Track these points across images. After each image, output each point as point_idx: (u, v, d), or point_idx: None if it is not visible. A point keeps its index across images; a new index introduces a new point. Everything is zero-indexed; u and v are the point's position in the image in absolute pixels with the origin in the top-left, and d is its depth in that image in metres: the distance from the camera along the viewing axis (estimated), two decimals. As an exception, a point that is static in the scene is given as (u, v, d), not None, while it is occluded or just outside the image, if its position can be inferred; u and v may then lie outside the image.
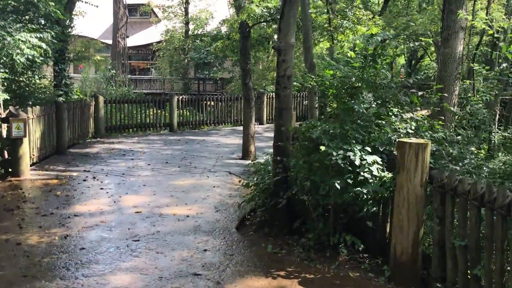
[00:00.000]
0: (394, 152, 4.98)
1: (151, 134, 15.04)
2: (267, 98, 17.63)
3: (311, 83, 6.39)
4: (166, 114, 15.91)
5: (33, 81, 10.18)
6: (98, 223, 6.31)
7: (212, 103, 16.91)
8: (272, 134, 14.61)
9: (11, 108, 8.92)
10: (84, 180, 8.83)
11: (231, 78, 29.55)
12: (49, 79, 12.90)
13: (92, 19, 37.78)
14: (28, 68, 10.05)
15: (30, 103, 10.88)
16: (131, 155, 11.47)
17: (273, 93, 18.26)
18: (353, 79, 5.05)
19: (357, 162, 4.68)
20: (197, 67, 33.37)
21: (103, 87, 22.21)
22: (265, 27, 19.92)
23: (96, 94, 14.21)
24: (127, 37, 31.34)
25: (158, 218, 6.55)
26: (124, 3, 26.92)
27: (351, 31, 11.53)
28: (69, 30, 13.07)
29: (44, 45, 9.05)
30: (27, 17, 10.05)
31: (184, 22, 31.62)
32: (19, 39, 8.25)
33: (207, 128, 16.82)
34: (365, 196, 4.71)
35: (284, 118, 5.92)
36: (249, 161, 10.94)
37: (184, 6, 31.54)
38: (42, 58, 9.56)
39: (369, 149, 4.84)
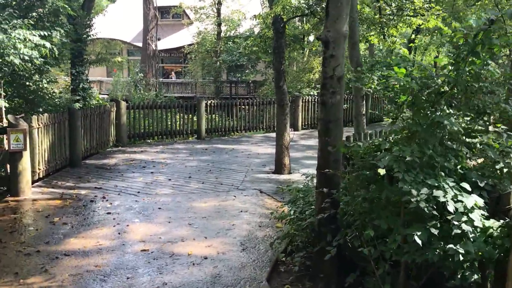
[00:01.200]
0: (501, 188, 3.30)
1: (177, 142, 13.64)
2: (302, 102, 15.98)
3: (371, 86, 4.76)
4: (194, 120, 14.50)
5: (40, 85, 8.87)
6: (90, 267, 4.85)
7: (244, 107, 15.39)
8: (309, 142, 12.73)
9: (9, 117, 7.62)
10: (92, 201, 7.44)
11: (264, 80, 28.02)
12: (64, 83, 11.64)
13: (124, 22, 37.10)
14: (35, 71, 8.75)
15: (41, 110, 9.65)
16: (151, 168, 10.07)
17: (309, 96, 16.63)
18: (439, 80, 3.39)
19: (451, 208, 3.03)
20: (230, 70, 31.97)
21: (132, 91, 21.02)
22: (301, 24, 18.31)
23: (117, 99, 12.92)
24: (159, 39, 30.24)
25: (168, 260, 5.04)
26: (155, 4, 25.80)
27: (404, 24, 9.77)
28: (87, 30, 11.81)
29: (48, 44, 7.70)
30: (34, 14, 8.74)
31: (216, 23, 30.26)
32: (15, 37, 6.92)
33: (238, 135, 15.32)
34: (461, 258, 3.05)
35: (333, 135, 4.31)
36: (283, 176, 9.36)
37: (216, 7, 30.18)
38: (43, 59, 8.22)
39: (467, 185, 3.18)
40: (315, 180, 6.44)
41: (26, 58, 7.13)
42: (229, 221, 6.40)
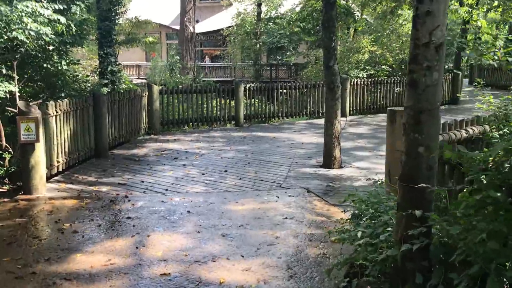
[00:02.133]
0: None
1: (213, 130, 12.47)
2: (350, 85, 14.44)
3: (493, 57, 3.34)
4: (232, 105, 13.27)
5: (60, 67, 7.82)
6: (92, 301, 3.73)
7: (285, 91, 14.01)
8: (359, 130, 11.13)
9: (19, 103, 6.59)
10: (112, 201, 6.35)
11: (306, 63, 26.45)
12: (92, 66, 10.60)
13: (163, 5, 36.13)
14: (53, 51, 7.70)
15: (63, 95, 8.64)
16: (184, 159, 8.93)
17: (358, 79, 15.06)
18: None
19: None
20: (270, 52, 30.52)
21: (167, 75, 19.98)
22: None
23: (150, 83, 11.83)
24: (197, 22, 29.10)
25: (193, 291, 3.85)
26: (192, -16, 24.58)
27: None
28: (116, 7, 10.70)
29: (63, 19, 6.59)
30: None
31: (256, 3, 28.80)
32: (21, 9, 5.82)
33: (279, 122, 14.01)
34: None
35: (426, 130, 2.94)
36: (333, 171, 8.01)
37: (257, -14, 28.69)
38: (60, 37, 7.12)
39: None
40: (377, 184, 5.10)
41: (34, 34, 6.03)
42: (271, 232, 5.14)
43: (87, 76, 10.74)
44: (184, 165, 8.49)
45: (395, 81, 15.33)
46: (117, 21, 10.95)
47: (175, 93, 12.39)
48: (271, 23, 28.72)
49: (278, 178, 7.53)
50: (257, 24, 28.43)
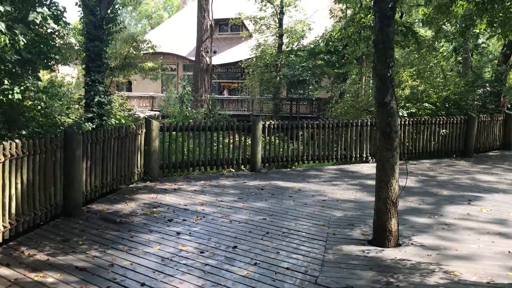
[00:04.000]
0: None
1: (224, 176, 10.07)
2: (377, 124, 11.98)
3: None
4: (248, 144, 10.90)
5: (10, 95, 5.58)
6: None
7: (311, 130, 11.59)
8: (404, 182, 8.16)
9: None
10: (50, 308, 3.94)
11: (330, 98, 24.19)
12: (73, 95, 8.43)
13: (181, 36, 34.54)
14: (5, 74, 5.48)
15: (24, 132, 6.38)
16: (180, 222, 6.53)
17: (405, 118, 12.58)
18: None
19: None
20: (290, 86, 28.40)
21: (178, 107, 17.80)
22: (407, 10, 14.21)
23: (149, 118, 9.55)
24: (214, 52, 27.21)
25: None
26: (210, 13, 22.70)
27: None
28: (110, 25, 8.57)
29: (2, 26, 4.36)
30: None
31: (278, 35, 26.89)
32: None
33: (303, 167, 11.58)
34: None
35: None
36: (390, 251, 5.50)
37: (278, 17, 26.82)
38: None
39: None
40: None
41: None
42: None
43: (68, 108, 8.53)
44: (178, 233, 6.06)
45: (441, 122, 12.84)
46: (110, 42, 8.78)
47: (180, 130, 10.07)
48: (293, 55, 26.70)
49: (311, 265, 5.04)
50: (278, 56, 26.42)
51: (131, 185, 8.82)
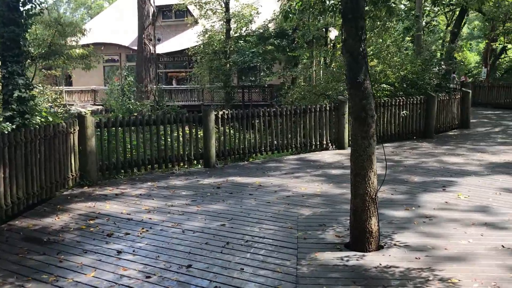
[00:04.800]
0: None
1: (175, 175, 9.00)
2: (348, 108, 11.28)
3: None
4: (200, 137, 9.86)
5: None
6: None
7: (269, 118, 10.67)
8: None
9: None
10: None
11: (282, 84, 23.44)
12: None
13: (123, 25, 32.66)
14: None
15: None
16: (122, 237, 5.46)
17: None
18: None
19: None
20: (241, 73, 27.41)
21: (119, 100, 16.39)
22: None
23: (83, 114, 8.31)
24: (159, 40, 25.72)
25: None
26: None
27: None
28: (28, 6, 7.25)
29: None
30: None
31: (225, 20, 25.75)
32: None
33: (262, 159, 10.68)
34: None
35: None
36: (372, 256, 4.70)
37: (224, 1, 25.66)
38: None
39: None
40: None
41: None
42: None
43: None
44: (119, 252, 5.00)
45: (401, 103, 12.29)
46: (29, 27, 7.45)
47: (120, 125, 8.87)
48: (242, 41, 25.68)
49: (283, 284, 4.15)
50: (226, 42, 25.32)
51: (65, 193, 7.60)
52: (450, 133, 13.70)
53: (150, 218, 6.15)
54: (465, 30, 37.17)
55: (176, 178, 8.62)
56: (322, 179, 8.25)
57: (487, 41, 24.59)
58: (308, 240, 5.22)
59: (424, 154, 10.44)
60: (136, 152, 9.13)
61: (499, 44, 25.52)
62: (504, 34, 21.86)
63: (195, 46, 26.36)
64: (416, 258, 4.64)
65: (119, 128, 8.89)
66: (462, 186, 7.52)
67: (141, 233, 5.59)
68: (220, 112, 10.02)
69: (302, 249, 4.94)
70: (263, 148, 10.47)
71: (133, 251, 5.03)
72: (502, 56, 34.62)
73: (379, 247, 4.95)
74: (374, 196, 4.89)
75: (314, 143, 11.03)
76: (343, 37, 4.90)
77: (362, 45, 4.80)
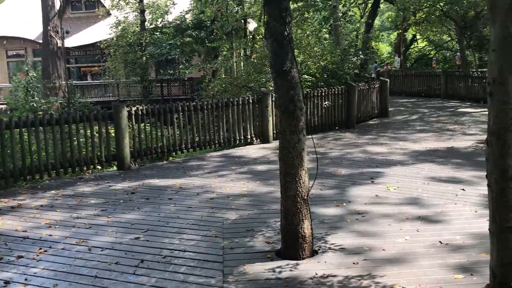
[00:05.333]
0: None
1: (84, 180, 8.00)
2: (273, 101, 10.81)
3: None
4: (112, 138, 8.90)
5: None
6: None
7: (189, 113, 9.91)
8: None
9: None
10: None
11: (203, 77, 22.66)
12: None
13: (29, 18, 30.00)
14: None
15: None
16: (13, 263, 4.51)
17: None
18: None
19: None
20: (159, 66, 26.19)
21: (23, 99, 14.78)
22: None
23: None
24: (67, 33, 23.81)
25: None
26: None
27: None
28: None
29: None
30: None
31: (139, 11, 24.41)
32: None
33: (183, 157, 9.92)
34: None
35: None
36: (305, 265, 4.20)
37: (138, -10, 24.31)
38: None
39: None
40: None
41: None
42: None
43: None
44: (6, 283, 4.09)
45: (323, 94, 12.07)
46: None
47: (16, 126, 7.68)
48: (158, 33, 24.51)
49: (208, 309, 3.51)
50: (142, 34, 24.03)
51: None
52: (371, 122, 13.78)
53: (50, 235, 5.22)
54: (376, 22, 38.53)
55: (85, 184, 7.64)
56: (248, 176, 7.69)
57: (400, 31, 25.51)
58: (235, 249, 4.62)
59: (348, 145, 10.26)
60: (37, 157, 7.99)
61: (411, 34, 26.59)
62: (415, 24, 22.77)
63: (108, 38, 24.77)
64: (354, 263, 4.21)
65: (17, 129, 7.70)
66: (390, 177, 7.32)
67: (37, 255, 4.67)
68: (134, 108, 9.11)
69: (228, 262, 4.33)
70: (184, 146, 9.72)
71: (26, 279, 4.13)
72: (412, 46, 36.35)
73: (313, 252, 4.47)
74: (306, 197, 4.38)
75: (238, 138, 10.47)
76: (265, 20, 4.31)
77: (287, 29, 4.25)
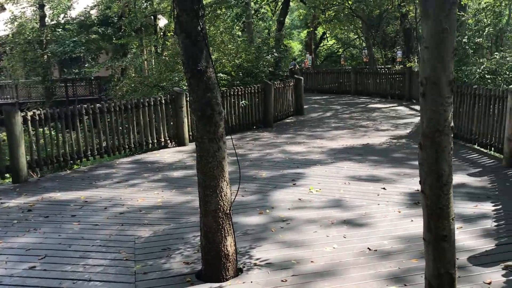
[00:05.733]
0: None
1: (-30, 196, 6.91)
2: (187, 101, 10.23)
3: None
4: (5, 147, 7.80)
5: None
6: None
7: (95, 116, 9.03)
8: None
9: None
10: None
11: (111, 76, 21.36)
12: None
13: None
14: None
15: None
16: None
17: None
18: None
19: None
20: (63, 65, 24.38)
21: None
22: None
23: None
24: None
25: None
26: None
27: None
28: None
29: None
30: None
31: (37, 5, 22.46)
32: None
33: (89, 165, 9.01)
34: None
35: None
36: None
37: (35, -17, 22.35)
38: None
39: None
40: None
41: None
42: None
43: None
44: None
45: (240, 93, 11.71)
46: None
47: None
48: (60, 29, 22.73)
49: None
50: (42, 31, 22.13)
51: None
52: (288, 121, 13.69)
53: None
54: (287, 20, 39.14)
55: (-30, 202, 6.57)
56: (162, 184, 7.09)
57: (311, 29, 25.97)
58: (149, 274, 4.05)
59: (267, 145, 9.99)
60: None
61: (321, 32, 27.19)
62: (326, 22, 23.27)
63: (3, 35, 22.53)
64: (283, 280, 3.84)
65: None
66: (311, 177, 7.11)
67: None
68: (30, 113, 8.08)
69: (142, 291, 3.76)
70: (90, 152, 8.83)
71: None
72: (321, 44, 37.37)
73: (238, 271, 4.04)
74: (228, 211, 3.93)
75: (151, 141, 9.76)
76: (175, 14, 3.78)
77: (201, 23, 3.76)
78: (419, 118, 13.45)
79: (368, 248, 4.40)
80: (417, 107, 15.25)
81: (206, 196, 3.86)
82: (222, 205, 3.87)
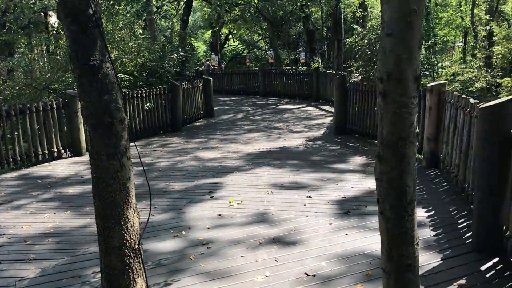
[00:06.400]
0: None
1: None
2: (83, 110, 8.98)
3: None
4: None
5: None
6: None
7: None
8: None
9: None
10: None
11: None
12: None
13: None
14: None
15: None
16: None
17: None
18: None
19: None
20: None
21: None
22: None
23: None
24: None
25: None
26: None
27: None
28: None
29: None
30: None
31: None
32: None
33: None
34: None
35: None
36: None
37: None
38: None
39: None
40: None
41: None
42: None
43: None
44: None
45: (144, 94, 10.66)
46: None
47: None
48: None
49: None
50: None
51: None
52: (197, 124, 12.86)
53: None
54: (190, 21, 38.11)
55: None
56: (55, 204, 5.94)
57: (216, 28, 25.30)
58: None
59: (177, 152, 9.10)
60: None
61: (225, 33, 26.63)
62: (231, 21, 22.70)
63: None
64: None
65: None
66: (229, 188, 6.40)
67: None
68: None
69: None
70: (-37, 169, 7.31)
71: None
72: (226, 45, 36.89)
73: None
74: (137, 246, 3.06)
75: (41, 152, 8.40)
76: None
77: (93, 6, 2.85)
78: (330, 118, 13.37)
79: (306, 274, 3.78)
80: (326, 107, 15.22)
81: (106, 229, 2.96)
82: (129, 239, 2.99)
